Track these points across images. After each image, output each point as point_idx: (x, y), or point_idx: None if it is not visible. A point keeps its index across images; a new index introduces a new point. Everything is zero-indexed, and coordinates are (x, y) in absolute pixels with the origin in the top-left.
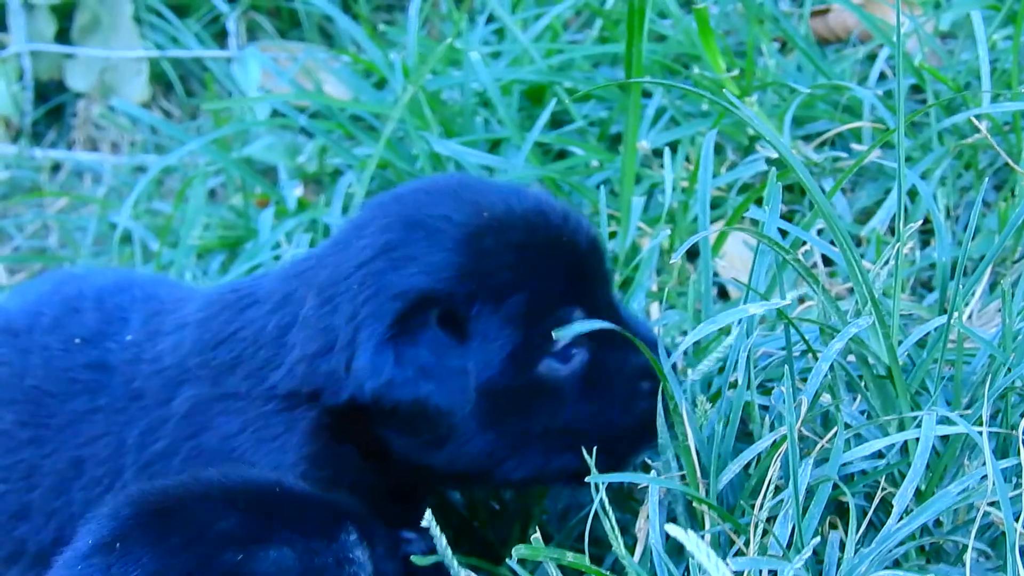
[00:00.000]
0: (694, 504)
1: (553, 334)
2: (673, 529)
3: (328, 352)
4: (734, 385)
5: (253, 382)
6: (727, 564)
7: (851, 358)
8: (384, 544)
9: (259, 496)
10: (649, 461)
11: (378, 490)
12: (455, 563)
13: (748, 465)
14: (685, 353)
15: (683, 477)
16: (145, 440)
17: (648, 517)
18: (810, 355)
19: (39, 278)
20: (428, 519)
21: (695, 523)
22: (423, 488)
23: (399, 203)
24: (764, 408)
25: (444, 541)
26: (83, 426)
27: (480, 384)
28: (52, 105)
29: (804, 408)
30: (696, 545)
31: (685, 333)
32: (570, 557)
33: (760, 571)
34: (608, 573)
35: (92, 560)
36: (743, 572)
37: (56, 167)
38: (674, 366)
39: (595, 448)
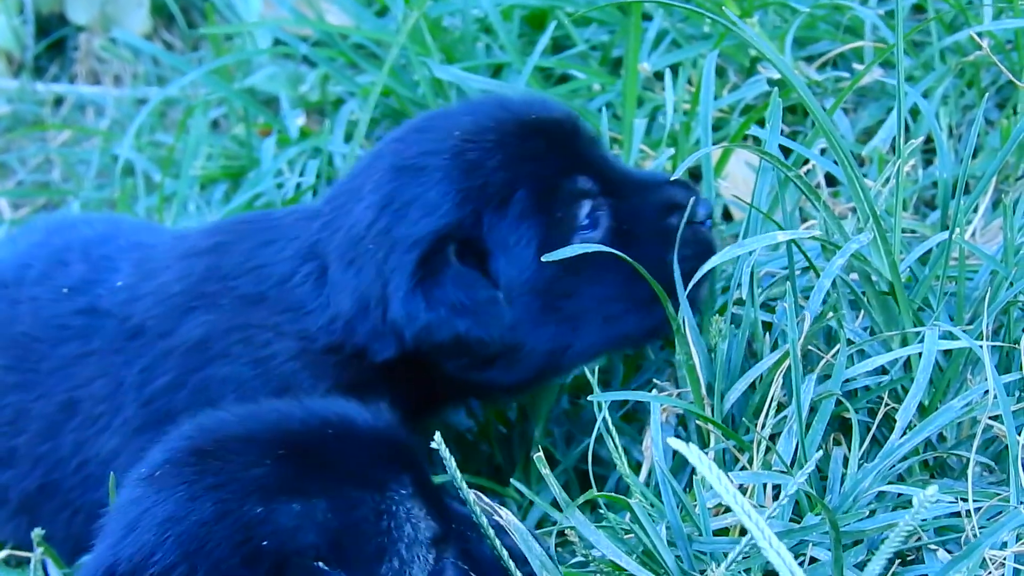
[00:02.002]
0: (698, 423)
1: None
2: (675, 443)
3: (364, 312)
4: (739, 303)
5: (284, 318)
6: (730, 478)
7: (854, 276)
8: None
9: (309, 438)
10: (656, 381)
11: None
12: (464, 484)
13: (754, 384)
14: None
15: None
16: (146, 377)
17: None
18: (813, 273)
19: (29, 226)
20: (437, 441)
21: (702, 443)
22: (444, 408)
23: (381, 157)
24: (767, 326)
25: (453, 463)
26: (75, 369)
27: (524, 286)
28: (54, 39)
29: (807, 324)
30: (698, 458)
31: None
32: None
33: (764, 486)
34: (612, 494)
35: (135, 490)
36: (747, 487)
37: (58, 101)
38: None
39: (646, 298)
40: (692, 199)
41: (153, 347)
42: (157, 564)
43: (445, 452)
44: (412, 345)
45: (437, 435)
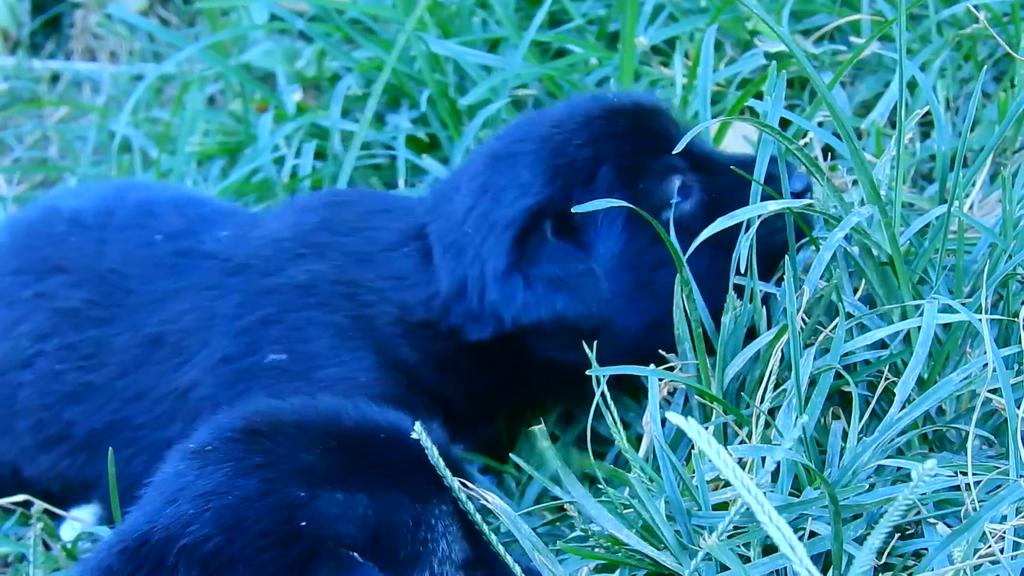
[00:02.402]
0: (699, 397)
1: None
2: (673, 416)
3: (461, 294)
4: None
5: (388, 284)
6: (728, 452)
7: (853, 249)
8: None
9: (361, 437)
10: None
11: (464, 396)
12: (447, 472)
13: (757, 358)
14: None
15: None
16: (242, 310)
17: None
18: (812, 247)
19: (97, 183)
20: (418, 430)
21: (704, 418)
22: (516, 403)
23: (480, 152)
24: (770, 298)
25: (436, 452)
26: (167, 303)
27: (615, 260)
28: (50, 15)
29: (806, 297)
30: (697, 432)
31: None
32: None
33: (763, 460)
34: (611, 466)
35: (179, 464)
36: (745, 461)
37: (55, 77)
38: None
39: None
40: (787, 173)
41: (254, 284)
42: (192, 534)
43: (426, 441)
44: (510, 326)
45: (417, 425)
